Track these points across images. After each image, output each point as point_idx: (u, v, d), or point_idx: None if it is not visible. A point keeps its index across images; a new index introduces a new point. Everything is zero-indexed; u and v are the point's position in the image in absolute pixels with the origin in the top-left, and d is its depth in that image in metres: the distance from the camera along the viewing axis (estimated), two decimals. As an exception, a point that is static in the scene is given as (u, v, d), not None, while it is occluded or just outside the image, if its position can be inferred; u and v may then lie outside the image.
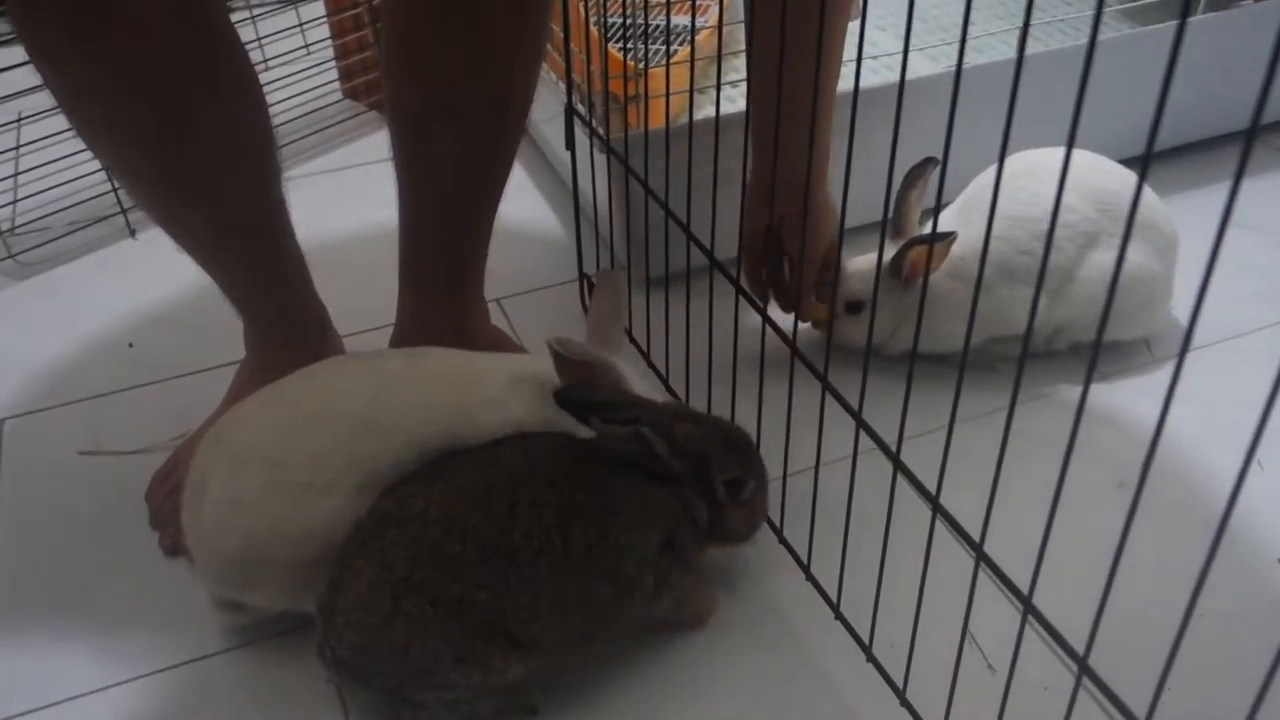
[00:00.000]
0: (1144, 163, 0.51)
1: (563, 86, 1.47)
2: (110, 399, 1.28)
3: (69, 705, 0.94)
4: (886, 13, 1.78)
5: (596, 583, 0.87)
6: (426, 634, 0.82)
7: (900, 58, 0.74)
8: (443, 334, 1.19)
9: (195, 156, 0.94)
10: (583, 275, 1.37)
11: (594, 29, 1.27)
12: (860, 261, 1.23)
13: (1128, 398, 1.21)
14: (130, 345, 1.36)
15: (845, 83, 1.09)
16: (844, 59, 1.15)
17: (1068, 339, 1.28)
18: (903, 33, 1.59)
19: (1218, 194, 1.53)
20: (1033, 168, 1.13)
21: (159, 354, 1.34)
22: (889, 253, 1.21)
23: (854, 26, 1.31)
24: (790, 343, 0.90)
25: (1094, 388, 1.25)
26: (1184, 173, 1.55)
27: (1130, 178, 1.25)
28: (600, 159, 1.25)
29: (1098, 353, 0.60)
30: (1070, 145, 0.57)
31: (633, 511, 0.88)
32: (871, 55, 1.67)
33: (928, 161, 1.23)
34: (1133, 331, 1.29)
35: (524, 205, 1.62)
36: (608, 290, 1.06)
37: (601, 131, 1.21)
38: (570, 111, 1.24)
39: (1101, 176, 1.24)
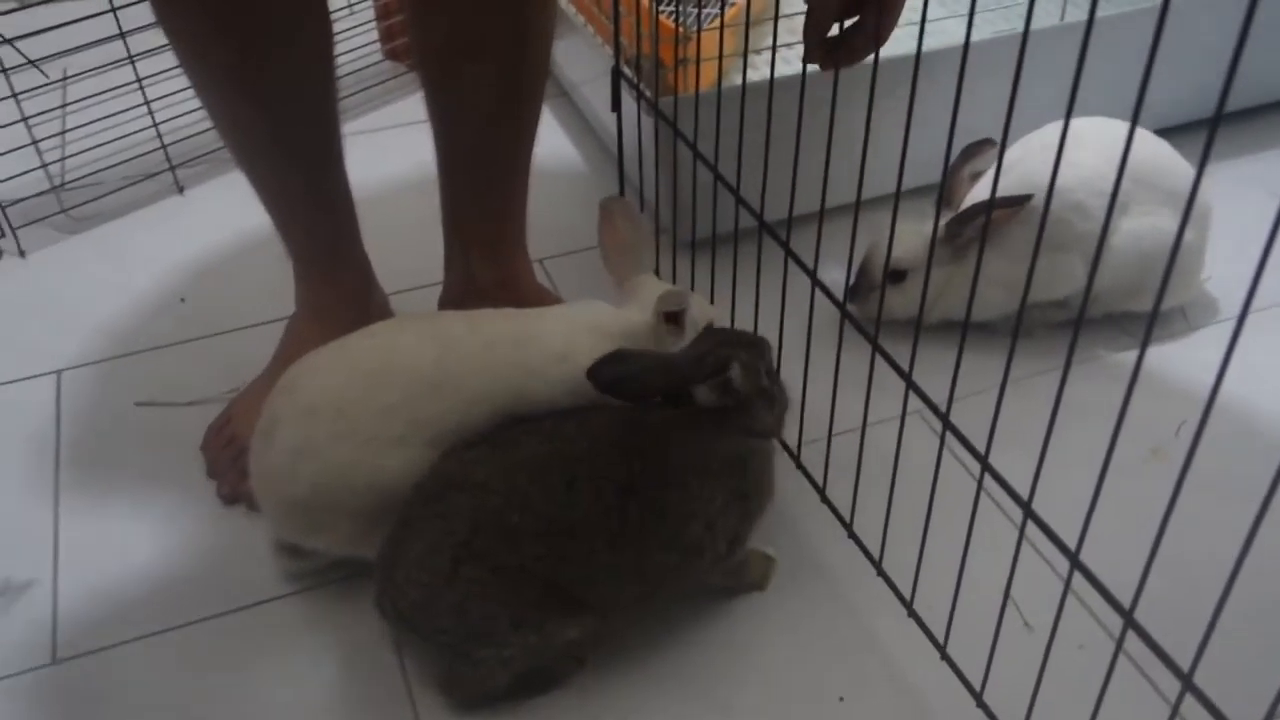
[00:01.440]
0: (1210, 131, 0.53)
1: (605, 47, 1.49)
2: (164, 352, 1.31)
3: (138, 644, 0.98)
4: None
5: (658, 553, 0.88)
6: (484, 598, 0.85)
7: (949, 22, 0.75)
8: (489, 289, 1.22)
9: (260, 62, 0.99)
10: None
11: (643, -5, 1.28)
12: (903, 231, 1.25)
13: (1162, 365, 1.23)
14: (182, 300, 1.39)
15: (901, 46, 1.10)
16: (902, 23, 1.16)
17: (1102, 307, 1.30)
18: (950, -1, 1.57)
19: (1250, 164, 1.55)
20: (1070, 136, 1.15)
21: (210, 309, 1.37)
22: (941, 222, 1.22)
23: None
24: (840, 305, 0.92)
25: (1128, 355, 1.28)
26: (1217, 143, 1.56)
27: (1157, 144, 1.26)
28: (647, 121, 1.26)
29: (1155, 316, 0.61)
30: (1136, 114, 0.58)
31: (694, 478, 0.89)
32: (913, 21, 1.67)
33: (985, 142, 1.24)
34: (1167, 300, 1.30)
35: (565, 167, 1.64)
36: (619, 216, 1.06)
37: (649, 94, 1.23)
38: (617, 74, 1.25)
39: (1136, 145, 1.25)
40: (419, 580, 0.85)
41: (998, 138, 1.20)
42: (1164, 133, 1.28)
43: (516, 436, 0.90)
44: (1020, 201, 1.18)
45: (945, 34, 1.58)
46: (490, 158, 1.19)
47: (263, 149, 1.09)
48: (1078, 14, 1.54)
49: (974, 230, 1.21)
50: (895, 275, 1.25)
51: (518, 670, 0.89)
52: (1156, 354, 1.26)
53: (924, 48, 0.77)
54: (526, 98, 1.16)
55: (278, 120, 1.05)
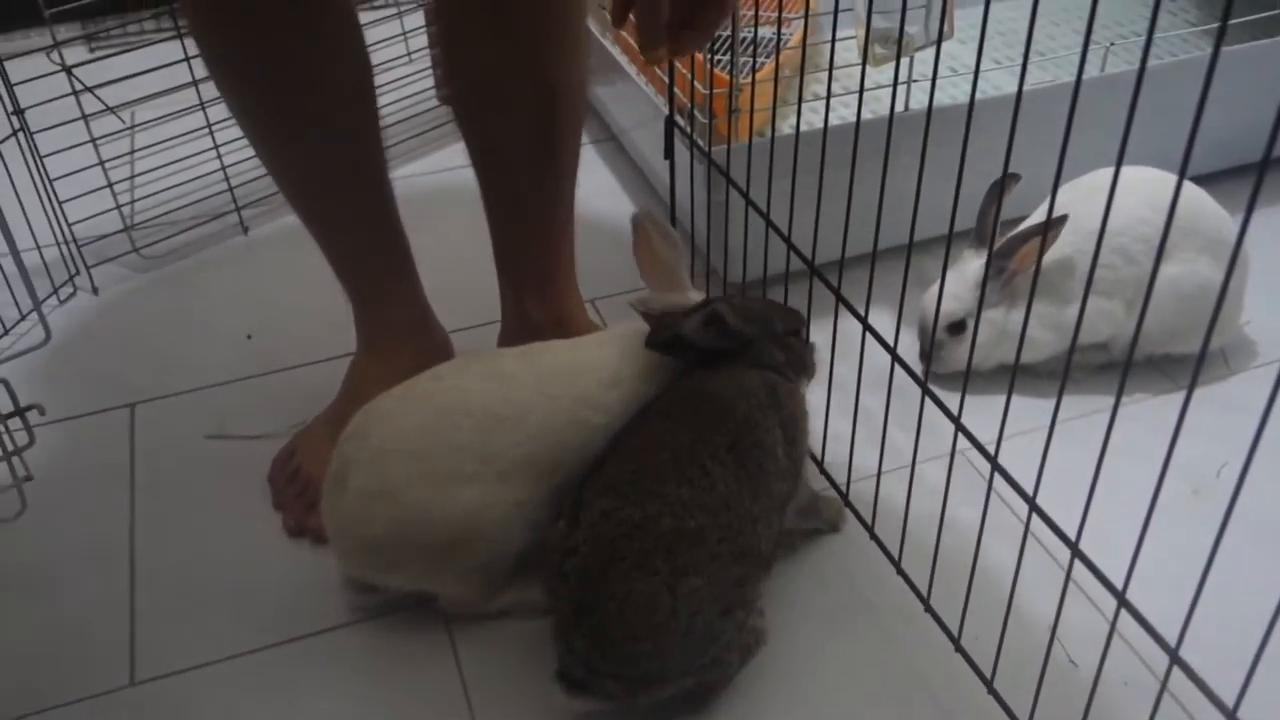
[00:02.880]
0: (1258, 178, 0.56)
1: (654, 95, 1.54)
2: (232, 386, 1.37)
3: (212, 668, 1.03)
4: (967, 25, 1.82)
5: (778, 483, 0.98)
6: (702, 608, 0.89)
7: (985, 73, 0.79)
8: (543, 327, 1.26)
9: (293, 97, 1.05)
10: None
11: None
12: (956, 282, 1.27)
13: (1202, 407, 1.24)
14: (249, 337, 1.44)
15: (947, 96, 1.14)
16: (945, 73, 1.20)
17: (1142, 350, 1.33)
18: (986, 49, 1.63)
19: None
20: (1109, 183, 1.18)
21: (275, 345, 1.43)
22: (979, 262, 1.26)
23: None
24: (891, 350, 0.96)
25: (1168, 398, 1.30)
26: (1247, 191, 1.58)
27: (1194, 191, 1.29)
28: (699, 168, 1.31)
29: (1203, 358, 0.65)
30: (1185, 163, 0.61)
31: (757, 413, 0.97)
32: (958, 72, 1.72)
33: (1010, 177, 1.27)
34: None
35: (615, 210, 1.68)
36: (653, 231, 1.10)
37: (702, 144, 1.27)
38: (671, 123, 1.30)
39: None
40: (647, 635, 0.88)
41: (1034, 186, 1.24)
42: (1200, 180, 1.31)
43: (635, 466, 0.93)
44: (1058, 224, 1.20)
45: (983, 82, 1.62)
46: (531, 205, 1.23)
47: (309, 189, 1.15)
48: (1118, 65, 1.57)
49: (1017, 263, 1.24)
50: (955, 327, 1.28)
51: (743, 644, 0.96)
52: (1197, 396, 1.27)
53: (966, 99, 0.81)
54: (562, 148, 1.20)
55: (322, 160, 1.11)
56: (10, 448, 1.03)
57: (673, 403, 0.99)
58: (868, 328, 0.98)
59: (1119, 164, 0.68)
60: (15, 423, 1.06)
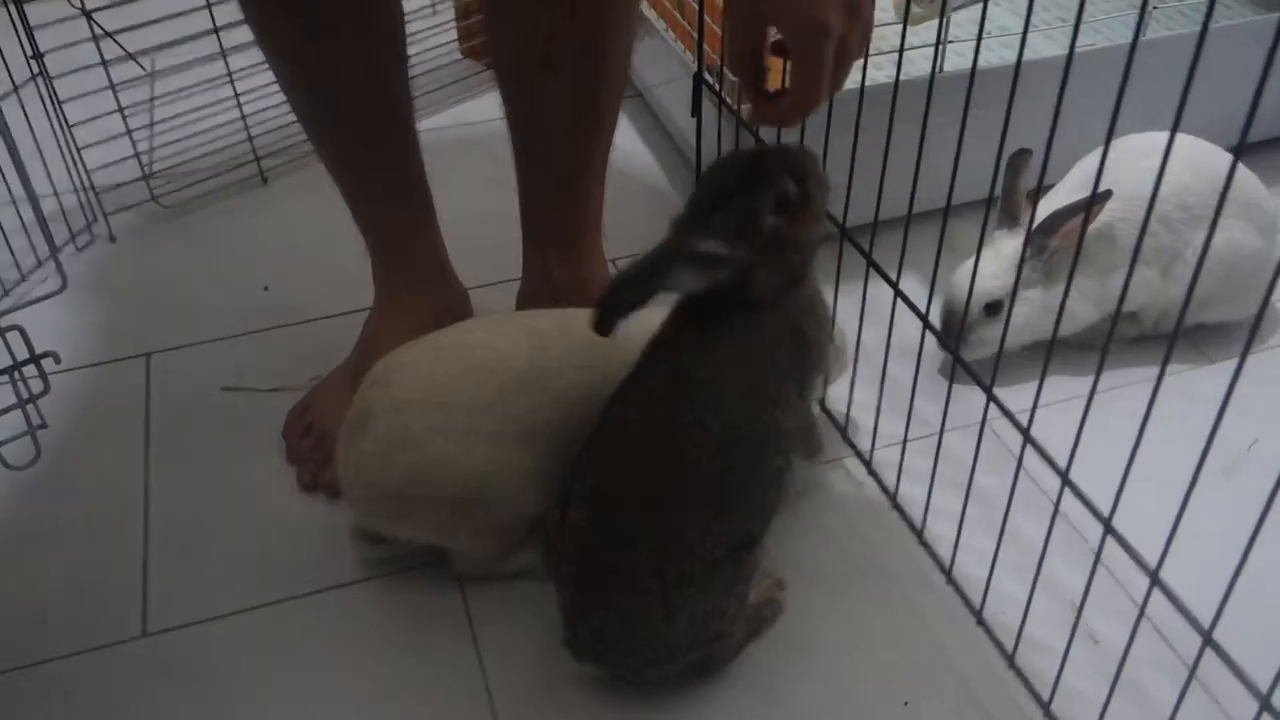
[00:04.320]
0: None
1: (685, 52, 1.51)
2: (248, 338, 1.35)
3: (223, 621, 1.02)
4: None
5: (773, 460, 0.89)
6: (701, 597, 0.87)
7: (1019, 36, 0.77)
8: (565, 289, 1.24)
9: (323, 34, 1.03)
10: (699, 239, 1.41)
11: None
12: (993, 261, 1.23)
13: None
14: (266, 288, 1.43)
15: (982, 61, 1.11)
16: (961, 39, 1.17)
17: (1173, 320, 1.30)
18: (1020, 10, 1.59)
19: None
20: (1150, 148, 1.15)
21: (292, 298, 1.41)
22: (1015, 241, 1.22)
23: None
24: (923, 316, 0.94)
25: (1199, 371, 1.28)
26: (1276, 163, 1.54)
27: (1227, 158, 1.26)
28: (727, 127, 1.28)
29: (1258, 325, 0.63)
30: (1245, 130, 0.59)
31: (762, 387, 0.87)
32: (988, 34, 1.68)
33: (1024, 152, 1.24)
34: (1241, 311, 1.30)
35: (639, 168, 1.66)
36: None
37: (731, 102, 1.25)
38: (699, 80, 1.27)
39: (1213, 159, 1.25)
40: (648, 636, 0.87)
41: (1064, 152, 1.21)
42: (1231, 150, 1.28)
43: (619, 472, 0.88)
44: (1102, 200, 1.17)
45: (1012, 49, 1.59)
46: (565, 167, 1.21)
47: (335, 131, 1.13)
48: (1159, 30, 1.53)
49: (1060, 239, 1.21)
50: (992, 307, 1.21)
51: (747, 617, 0.95)
52: (1226, 371, 1.25)
53: (1000, 63, 0.78)
54: (602, 111, 1.17)
55: (348, 101, 1.09)
56: (25, 395, 1.02)
57: (653, 397, 0.89)
58: (899, 293, 0.96)
59: (1174, 131, 0.65)
60: (30, 370, 1.05)
